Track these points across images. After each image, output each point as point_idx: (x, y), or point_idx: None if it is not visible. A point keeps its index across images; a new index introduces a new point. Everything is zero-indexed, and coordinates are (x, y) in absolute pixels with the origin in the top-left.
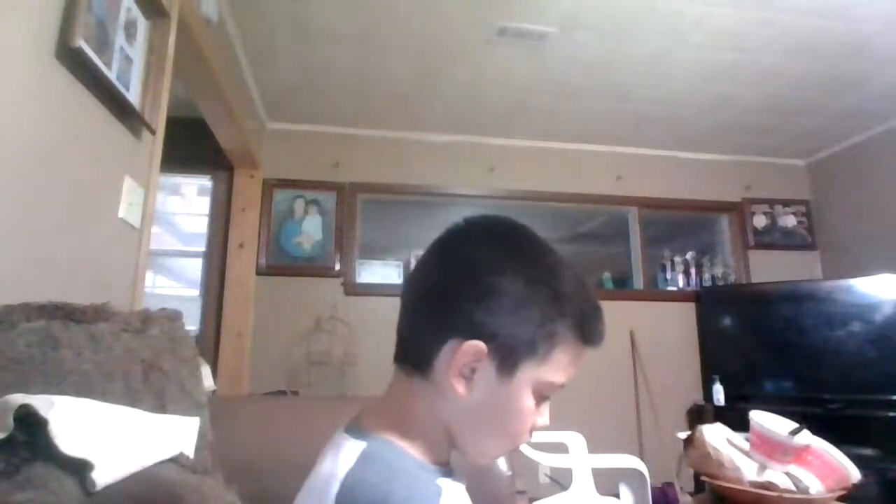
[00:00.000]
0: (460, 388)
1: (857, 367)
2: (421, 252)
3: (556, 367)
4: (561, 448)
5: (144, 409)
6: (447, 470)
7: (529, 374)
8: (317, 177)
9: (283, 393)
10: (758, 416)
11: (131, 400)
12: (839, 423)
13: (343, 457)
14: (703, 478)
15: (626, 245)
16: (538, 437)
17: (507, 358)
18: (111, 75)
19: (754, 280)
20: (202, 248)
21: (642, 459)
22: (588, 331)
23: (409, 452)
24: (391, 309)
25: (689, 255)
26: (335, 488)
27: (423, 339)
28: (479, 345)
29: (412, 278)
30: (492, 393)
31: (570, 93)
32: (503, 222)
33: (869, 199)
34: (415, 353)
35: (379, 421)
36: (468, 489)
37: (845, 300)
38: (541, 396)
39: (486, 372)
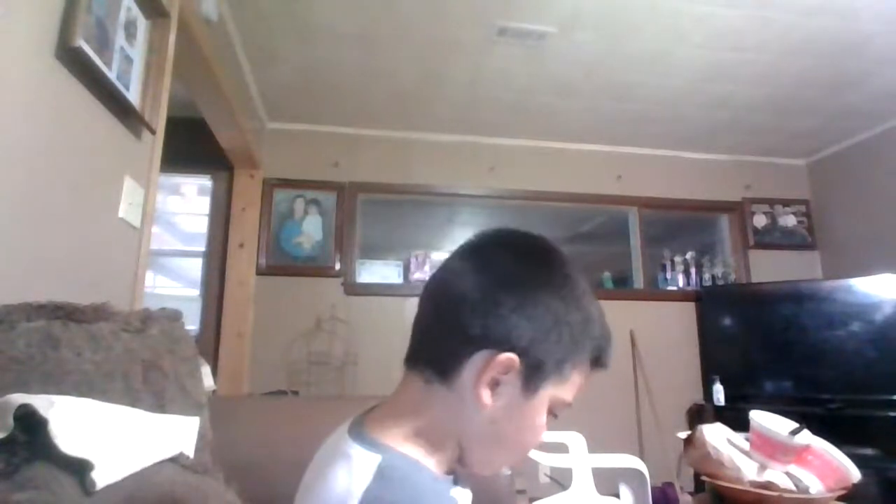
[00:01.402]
0: (486, 398)
1: (858, 366)
2: (420, 252)
3: (572, 386)
4: (561, 448)
5: (144, 409)
6: (454, 478)
7: (550, 391)
8: (317, 176)
9: (283, 393)
10: (758, 416)
11: (131, 400)
12: (839, 423)
13: (357, 472)
14: (704, 477)
15: (626, 245)
16: None
17: (535, 374)
18: (111, 75)
19: (754, 280)
20: (202, 248)
21: (642, 459)
22: (604, 355)
23: (424, 465)
24: (391, 309)
25: (689, 255)
26: None
27: (452, 346)
28: (513, 358)
29: (440, 282)
30: (513, 407)
31: (569, 92)
32: (540, 241)
33: (869, 198)
34: (440, 360)
35: (391, 429)
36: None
37: (845, 300)
38: (551, 413)
39: (510, 386)
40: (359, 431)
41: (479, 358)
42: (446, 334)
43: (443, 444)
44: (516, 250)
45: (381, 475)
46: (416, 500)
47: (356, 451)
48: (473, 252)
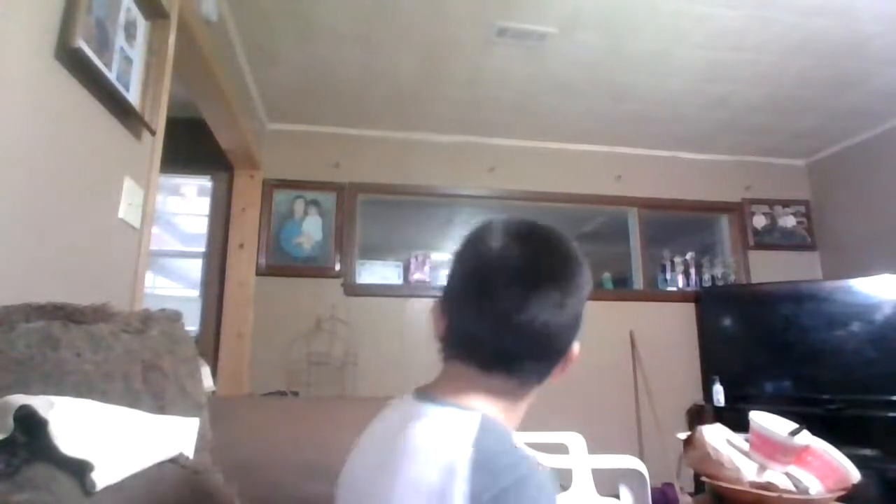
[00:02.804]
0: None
1: (857, 367)
2: (420, 252)
3: None
4: (561, 448)
5: (144, 410)
6: None
7: None
8: (317, 177)
9: (282, 393)
10: (757, 417)
11: (131, 400)
12: (839, 424)
13: (460, 425)
14: (703, 478)
15: (625, 245)
16: (538, 437)
17: None
18: (111, 76)
19: (754, 280)
20: (202, 248)
21: (642, 460)
22: None
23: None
24: (391, 309)
25: (688, 256)
26: (466, 453)
27: (550, 364)
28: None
29: (530, 316)
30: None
31: (570, 93)
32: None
33: (869, 199)
34: (540, 373)
35: (481, 400)
36: None
37: (845, 300)
38: None
39: None
40: (440, 400)
41: (568, 356)
42: (546, 359)
43: (520, 413)
44: (583, 273)
45: (484, 428)
46: (513, 450)
47: (450, 411)
48: (549, 285)
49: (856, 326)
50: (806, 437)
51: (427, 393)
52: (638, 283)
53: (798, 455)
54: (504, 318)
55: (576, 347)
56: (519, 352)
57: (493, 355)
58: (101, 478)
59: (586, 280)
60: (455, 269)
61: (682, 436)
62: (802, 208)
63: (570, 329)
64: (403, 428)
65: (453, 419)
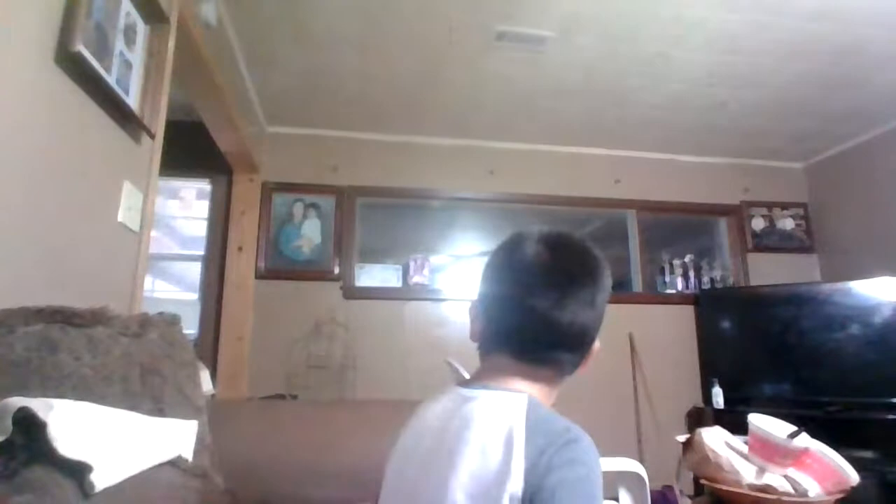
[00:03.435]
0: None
1: (856, 369)
2: (419, 255)
3: None
4: None
5: (143, 413)
6: None
7: None
8: (316, 180)
9: (281, 397)
10: (756, 420)
11: (129, 404)
12: (838, 426)
13: (512, 406)
14: (703, 481)
15: (624, 248)
16: None
17: None
18: (111, 80)
19: (753, 283)
20: (201, 251)
21: (641, 462)
22: None
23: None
24: (390, 312)
25: (687, 258)
26: (522, 422)
27: (580, 357)
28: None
29: (559, 315)
30: None
31: (568, 96)
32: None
33: (867, 201)
34: (573, 364)
35: (527, 387)
36: None
37: (844, 303)
38: None
39: None
40: (488, 386)
41: (591, 351)
42: (578, 350)
43: (553, 398)
44: (607, 274)
45: (533, 406)
46: (561, 419)
47: (499, 393)
48: (581, 286)
49: (854, 329)
50: (805, 440)
51: (472, 382)
52: (637, 285)
53: (797, 458)
54: (545, 315)
55: (597, 343)
56: (556, 344)
57: (533, 347)
58: (100, 479)
59: (609, 280)
60: (491, 274)
61: (682, 438)
62: (801, 211)
63: (597, 324)
64: (458, 409)
65: (504, 398)
